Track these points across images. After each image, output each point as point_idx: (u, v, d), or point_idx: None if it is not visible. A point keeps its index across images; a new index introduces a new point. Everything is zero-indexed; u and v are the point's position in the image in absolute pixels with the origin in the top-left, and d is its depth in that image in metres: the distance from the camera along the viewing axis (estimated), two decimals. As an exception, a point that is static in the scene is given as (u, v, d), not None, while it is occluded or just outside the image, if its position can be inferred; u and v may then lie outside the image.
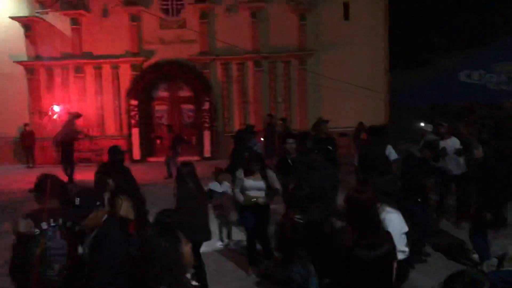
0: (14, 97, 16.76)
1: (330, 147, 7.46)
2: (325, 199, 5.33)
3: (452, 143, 7.54)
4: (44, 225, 3.31)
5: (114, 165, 5.90)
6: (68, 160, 12.80)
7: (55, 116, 16.43)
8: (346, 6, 16.97)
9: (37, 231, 3.28)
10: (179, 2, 17.04)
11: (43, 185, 3.52)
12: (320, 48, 16.77)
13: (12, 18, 16.62)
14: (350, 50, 16.67)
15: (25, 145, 16.12)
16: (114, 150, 6.21)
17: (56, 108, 16.60)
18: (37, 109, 17.03)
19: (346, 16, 17.01)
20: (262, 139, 13.40)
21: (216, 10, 16.89)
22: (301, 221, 3.82)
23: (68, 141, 13.05)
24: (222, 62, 17.01)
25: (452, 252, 6.34)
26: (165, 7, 17.06)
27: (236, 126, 16.76)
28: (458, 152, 7.38)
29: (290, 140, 6.49)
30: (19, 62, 16.83)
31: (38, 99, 17.04)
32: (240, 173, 5.73)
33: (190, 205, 5.02)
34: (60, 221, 3.38)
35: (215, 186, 6.98)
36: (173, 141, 13.49)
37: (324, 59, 16.77)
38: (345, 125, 15.46)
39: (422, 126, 8.43)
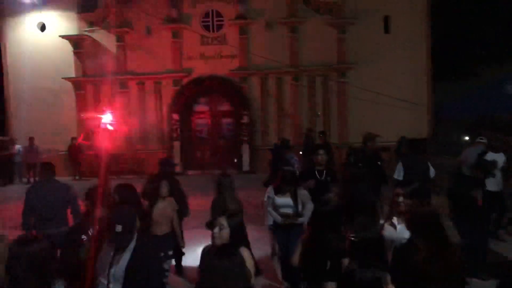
0: (63, 112, 17.54)
1: (379, 162, 7.36)
2: (373, 213, 5.19)
3: (499, 158, 7.28)
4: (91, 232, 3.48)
5: (165, 176, 6.07)
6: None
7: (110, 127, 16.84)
8: (386, 19, 16.88)
9: (84, 237, 3.47)
10: (219, 19, 17.43)
11: (91, 195, 3.69)
12: (360, 61, 16.68)
13: (62, 36, 17.49)
14: (391, 63, 16.50)
15: (72, 158, 16.75)
16: (165, 162, 6.48)
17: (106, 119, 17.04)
18: (83, 123, 17.73)
19: (387, 29, 16.89)
20: (300, 153, 13.36)
21: (255, 26, 17.15)
22: (356, 239, 3.58)
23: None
24: (261, 76, 17.20)
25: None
26: (206, 23, 17.48)
27: (274, 140, 16.79)
28: (504, 169, 7.13)
29: (321, 151, 6.33)
30: (68, 79, 17.64)
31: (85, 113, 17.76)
32: (270, 190, 5.67)
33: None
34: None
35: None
36: None
37: (364, 72, 16.65)
38: (385, 139, 15.19)
39: (477, 139, 8.08)
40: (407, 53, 16.59)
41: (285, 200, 5.51)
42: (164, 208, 5.52)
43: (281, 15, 16.94)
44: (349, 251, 3.43)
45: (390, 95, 15.95)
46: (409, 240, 3.19)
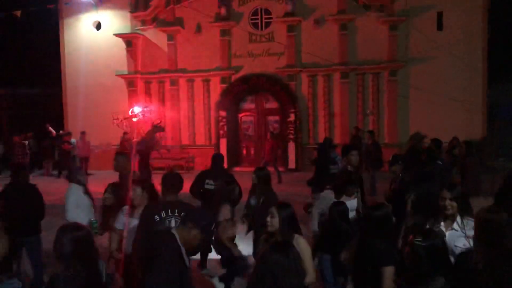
0: (117, 108, 18.06)
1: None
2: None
3: None
4: (163, 214, 3.87)
5: (217, 170, 6.49)
6: (146, 169, 13.53)
7: (134, 119, 17.22)
8: (439, 16, 16.27)
9: (157, 218, 3.85)
10: (268, 16, 17.48)
11: (165, 180, 4.13)
12: (411, 59, 16.24)
13: (116, 35, 18.13)
14: (444, 62, 15.93)
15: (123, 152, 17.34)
16: (216, 157, 6.77)
17: (137, 110, 17.35)
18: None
19: (440, 26, 16.30)
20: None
21: (304, 23, 17.06)
22: (423, 244, 3.20)
23: (146, 151, 13.86)
24: (309, 74, 17.10)
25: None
26: (254, 21, 17.58)
27: (321, 138, 16.62)
28: None
29: (354, 152, 6.16)
30: (121, 75, 18.28)
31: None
32: (328, 194, 5.37)
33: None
34: (179, 213, 3.84)
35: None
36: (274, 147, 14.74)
37: (415, 70, 16.20)
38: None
39: None
40: (461, 51, 15.94)
41: (351, 203, 5.12)
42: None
43: (330, 12, 16.75)
44: (410, 258, 3.15)
45: (442, 94, 15.42)
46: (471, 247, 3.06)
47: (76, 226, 2.85)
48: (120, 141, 17.46)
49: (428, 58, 16.02)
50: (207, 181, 6.35)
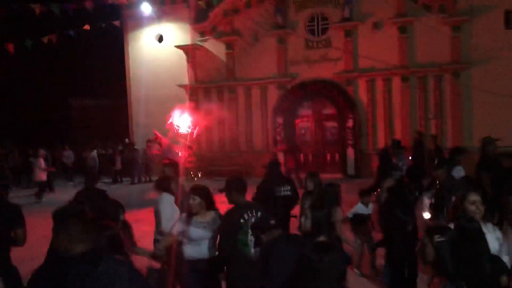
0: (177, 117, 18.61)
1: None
2: None
3: None
4: (246, 216, 4.10)
5: (280, 177, 6.77)
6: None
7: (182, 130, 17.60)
8: (507, 14, 15.49)
9: (242, 220, 4.06)
10: (324, 22, 17.45)
11: (235, 183, 4.36)
12: (476, 60, 15.57)
13: (177, 46, 18.83)
14: (510, 62, 15.14)
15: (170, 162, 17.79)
16: (271, 163, 6.95)
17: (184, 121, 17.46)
18: (195, 126, 18.91)
19: (508, 25, 15.50)
20: (410, 158, 12.83)
21: (361, 28, 16.86)
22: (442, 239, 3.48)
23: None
24: (367, 79, 16.85)
25: None
26: (310, 28, 17.61)
27: (381, 143, 16.36)
28: None
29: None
30: (182, 86, 18.94)
31: (197, 117, 18.93)
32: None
33: None
34: (256, 213, 4.13)
35: (360, 208, 6.52)
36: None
37: (480, 72, 15.51)
38: (504, 144, 13.98)
39: None
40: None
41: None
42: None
43: (388, 15, 16.43)
44: None
45: (509, 95, 14.64)
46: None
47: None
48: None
49: (494, 59, 15.30)
50: (278, 188, 6.42)
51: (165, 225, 5.02)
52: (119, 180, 18.40)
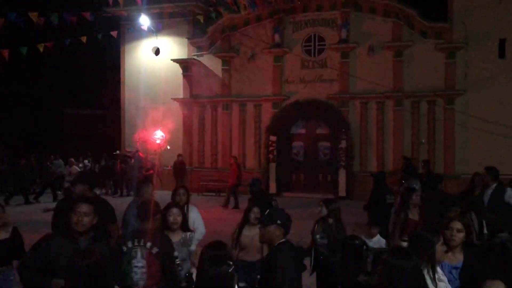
0: (174, 130, 18.37)
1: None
2: None
3: None
4: (129, 244, 3.78)
5: (252, 195, 6.50)
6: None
7: (158, 141, 17.81)
8: (502, 43, 15.68)
9: (124, 248, 3.77)
10: (321, 43, 17.57)
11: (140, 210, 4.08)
12: (470, 87, 15.70)
13: (173, 60, 18.84)
14: (506, 90, 15.29)
15: (176, 173, 17.57)
16: (253, 182, 6.96)
17: (158, 134, 17.84)
18: (188, 141, 18.82)
19: (502, 54, 15.68)
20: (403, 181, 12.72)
21: (358, 50, 16.99)
22: None
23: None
24: (361, 101, 16.92)
25: None
26: (307, 48, 17.72)
27: (373, 165, 16.36)
28: None
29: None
30: (176, 99, 18.88)
31: (191, 132, 18.84)
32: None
33: None
34: (141, 242, 3.78)
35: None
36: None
37: (474, 99, 15.62)
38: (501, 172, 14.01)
39: None
40: (525, 79, 15.23)
41: None
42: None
43: (384, 39, 16.60)
44: None
45: (504, 124, 14.72)
46: None
47: None
48: (173, 162, 17.68)
49: (489, 87, 15.44)
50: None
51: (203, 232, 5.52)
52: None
